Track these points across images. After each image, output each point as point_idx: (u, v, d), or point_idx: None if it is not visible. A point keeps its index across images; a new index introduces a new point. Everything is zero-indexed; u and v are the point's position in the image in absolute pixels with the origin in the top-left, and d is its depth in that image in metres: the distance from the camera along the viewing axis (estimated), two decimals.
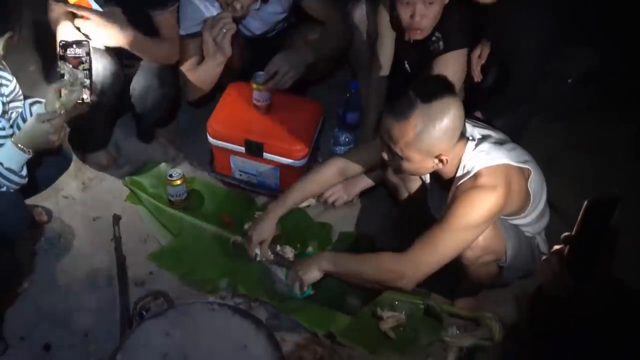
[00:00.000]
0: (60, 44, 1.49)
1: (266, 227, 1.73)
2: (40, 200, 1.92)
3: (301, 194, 1.75)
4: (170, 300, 1.65)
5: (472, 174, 1.38)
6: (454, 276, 1.62)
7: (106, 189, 2.03)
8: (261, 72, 1.86)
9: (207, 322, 1.50)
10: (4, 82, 1.54)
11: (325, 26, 2.00)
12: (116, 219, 1.92)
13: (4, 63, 1.56)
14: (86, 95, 1.51)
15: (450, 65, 1.76)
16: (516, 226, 1.54)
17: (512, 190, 1.39)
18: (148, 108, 1.98)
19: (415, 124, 1.30)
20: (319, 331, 1.60)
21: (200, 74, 1.93)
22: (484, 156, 1.38)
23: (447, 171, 1.44)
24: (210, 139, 1.95)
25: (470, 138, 1.42)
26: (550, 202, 1.59)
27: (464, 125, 1.39)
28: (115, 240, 1.85)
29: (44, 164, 1.72)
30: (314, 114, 1.99)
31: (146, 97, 1.94)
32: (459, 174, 1.42)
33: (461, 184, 1.40)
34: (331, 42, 1.98)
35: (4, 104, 1.53)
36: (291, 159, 1.88)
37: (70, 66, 1.48)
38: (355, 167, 1.73)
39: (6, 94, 1.55)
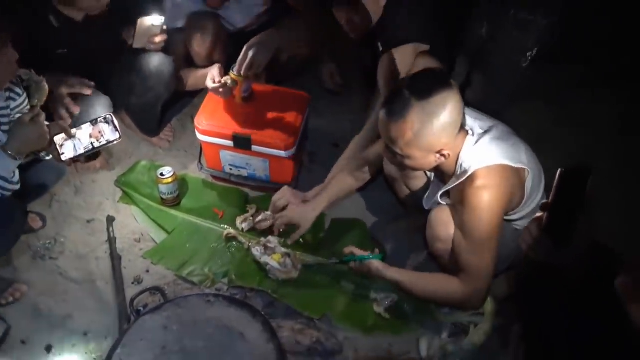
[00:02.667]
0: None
1: (307, 216, 1.70)
2: (34, 206, 1.94)
3: (344, 192, 1.76)
4: (167, 296, 1.67)
5: (468, 174, 1.36)
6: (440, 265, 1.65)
7: (98, 191, 2.05)
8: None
9: (203, 313, 1.53)
10: (13, 95, 1.58)
11: (301, 15, 2.01)
12: (110, 220, 1.94)
13: (19, 78, 1.59)
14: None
15: (389, 63, 1.75)
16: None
17: (512, 189, 1.39)
18: (156, 93, 2.00)
19: (412, 123, 1.28)
20: (314, 316, 1.62)
21: (192, 82, 2.05)
22: (481, 155, 1.36)
23: (449, 165, 1.42)
24: (199, 136, 1.97)
25: (471, 132, 1.40)
26: None
27: (464, 117, 1.36)
28: (109, 241, 1.87)
29: (40, 171, 1.75)
30: (299, 104, 2.01)
31: (152, 83, 1.97)
32: (458, 171, 1.41)
33: (460, 186, 1.39)
34: (303, 30, 1.99)
35: (9, 116, 1.57)
36: (279, 149, 1.90)
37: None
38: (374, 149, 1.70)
39: (12, 107, 1.58)
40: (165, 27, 1.84)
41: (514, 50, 1.73)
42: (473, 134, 1.40)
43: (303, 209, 1.71)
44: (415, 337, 1.59)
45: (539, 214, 1.00)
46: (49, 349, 1.59)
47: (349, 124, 2.24)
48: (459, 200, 1.40)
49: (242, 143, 1.91)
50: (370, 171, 1.74)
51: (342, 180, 1.74)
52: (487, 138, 1.39)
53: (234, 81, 1.87)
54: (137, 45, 1.86)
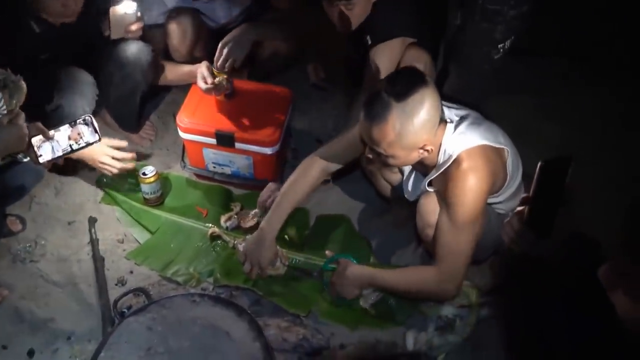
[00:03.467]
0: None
1: (268, 252, 1.66)
2: (13, 209, 1.90)
3: (290, 204, 1.66)
4: (151, 297, 1.65)
5: (453, 158, 1.38)
6: (429, 253, 1.66)
7: (79, 192, 2.02)
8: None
9: (188, 313, 1.52)
10: None
11: (282, 11, 2.00)
12: (92, 221, 1.91)
13: None
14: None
15: (378, 58, 1.78)
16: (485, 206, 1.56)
17: (495, 169, 1.40)
18: (133, 86, 1.99)
19: (393, 125, 1.30)
20: (301, 313, 1.62)
21: (172, 76, 2.04)
22: (463, 138, 1.39)
23: (431, 158, 1.44)
24: (181, 134, 1.95)
25: (449, 120, 1.43)
26: (524, 171, 1.62)
27: (442, 110, 1.39)
28: (92, 242, 1.84)
29: (18, 173, 1.71)
30: (283, 100, 2.00)
31: (128, 77, 1.95)
32: (441, 159, 1.42)
33: (445, 171, 1.40)
34: (282, 24, 1.98)
35: None
36: (263, 147, 1.89)
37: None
38: (337, 163, 1.66)
39: None
40: (139, 14, 1.81)
41: (484, 41, 1.74)
42: (452, 122, 1.43)
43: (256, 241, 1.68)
44: (401, 331, 1.59)
45: (520, 208, 1.00)
46: (31, 353, 1.56)
47: (333, 120, 2.24)
48: (444, 185, 1.42)
49: (225, 140, 1.89)
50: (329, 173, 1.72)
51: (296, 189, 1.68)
52: (465, 124, 1.42)
53: (227, 80, 1.86)
54: (114, 36, 1.83)
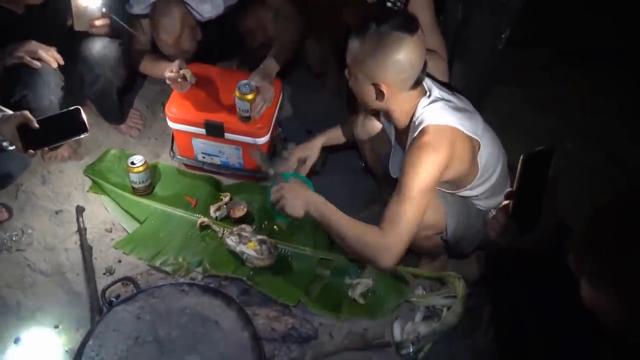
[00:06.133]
0: None
1: (313, 146, 1.82)
2: None
3: (337, 138, 1.87)
4: (139, 286, 1.64)
5: (420, 128, 1.40)
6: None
7: (66, 181, 2.00)
8: (245, 81, 1.81)
9: (177, 302, 1.52)
10: None
11: (278, 23, 2.01)
12: (80, 210, 1.90)
13: None
14: None
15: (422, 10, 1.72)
16: (464, 201, 1.56)
17: (456, 155, 1.40)
18: (107, 80, 1.96)
19: (366, 44, 1.34)
20: (289, 302, 1.63)
21: (150, 70, 2.04)
22: (435, 113, 1.40)
23: (399, 119, 1.46)
24: (170, 123, 1.94)
25: (428, 94, 1.44)
26: (508, 163, 1.63)
27: (421, 76, 1.39)
28: (79, 231, 1.83)
29: (3, 161, 1.69)
30: (274, 90, 1.99)
31: (102, 70, 1.93)
32: (412, 127, 1.44)
33: (411, 141, 1.42)
34: (288, 43, 2.00)
35: None
36: (253, 137, 1.88)
37: None
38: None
39: None
40: (104, 10, 1.78)
41: (490, 33, 1.75)
42: (430, 96, 1.43)
43: (307, 143, 1.85)
44: (389, 321, 1.60)
45: (505, 202, 1.02)
46: (17, 341, 1.56)
47: (322, 109, 2.24)
48: (405, 160, 1.43)
49: (214, 130, 1.89)
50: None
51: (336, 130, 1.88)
52: (442, 102, 1.42)
53: (191, 75, 1.85)
54: (77, 27, 1.79)
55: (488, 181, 1.53)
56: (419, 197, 1.38)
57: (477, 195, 1.55)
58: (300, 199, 1.48)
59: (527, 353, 1.14)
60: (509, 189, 1.00)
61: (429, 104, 1.41)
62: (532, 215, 0.97)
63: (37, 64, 1.73)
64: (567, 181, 1.05)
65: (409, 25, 1.34)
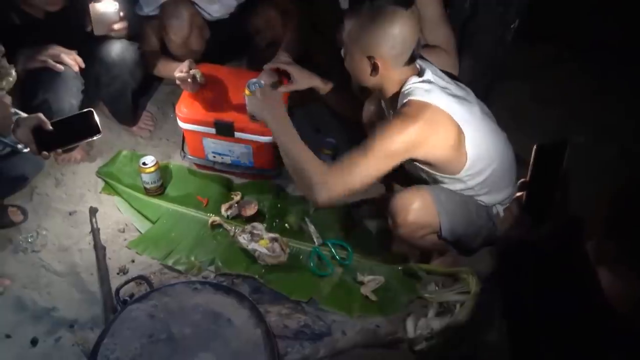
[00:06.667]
0: None
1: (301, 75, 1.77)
2: (14, 199, 1.91)
3: (323, 89, 1.81)
4: (153, 285, 1.66)
5: (403, 101, 1.41)
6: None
7: (80, 182, 2.02)
8: (254, 80, 1.74)
9: (190, 301, 1.53)
10: None
11: (286, 22, 2.03)
12: (93, 211, 1.92)
13: None
14: None
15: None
16: (462, 198, 1.54)
17: (436, 134, 1.39)
18: (122, 83, 1.98)
19: (360, 19, 1.38)
20: (302, 299, 1.63)
21: (160, 71, 2.05)
22: (422, 91, 1.40)
23: (389, 92, 1.47)
24: (181, 123, 1.95)
25: (420, 74, 1.45)
26: (517, 155, 1.62)
27: (415, 53, 1.41)
28: (93, 232, 1.85)
29: (18, 163, 1.71)
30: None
31: (118, 73, 1.94)
32: (399, 102, 1.44)
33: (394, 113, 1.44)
34: (296, 40, 2.00)
35: None
36: (262, 135, 1.89)
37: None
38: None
39: None
40: (122, 14, 1.80)
41: (499, 24, 1.74)
42: (421, 76, 1.44)
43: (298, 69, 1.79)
44: (402, 317, 1.60)
45: (519, 194, 1.01)
46: (34, 341, 1.58)
47: (331, 109, 2.24)
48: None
49: (224, 130, 1.90)
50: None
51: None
52: (432, 85, 1.42)
53: (201, 75, 1.87)
54: (97, 32, 1.81)
55: (481, 174, 1.50)
56: (378, 157, 1.39)
57: (472, 188, 1.53)
58: (266, 107, 1.54)
59: (540, 349, 1.13)
60: (522, 180, 0.99)
61: (418, 82, 1.42)
62: (543, 208, 0.97)
63: (60, 67, 1.75)
64: (579, 175, 1.04)
65: (406, 1, 1.37)
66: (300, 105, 2.14)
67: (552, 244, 1.00)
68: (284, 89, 1.76)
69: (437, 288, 1.64)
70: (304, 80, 1.78)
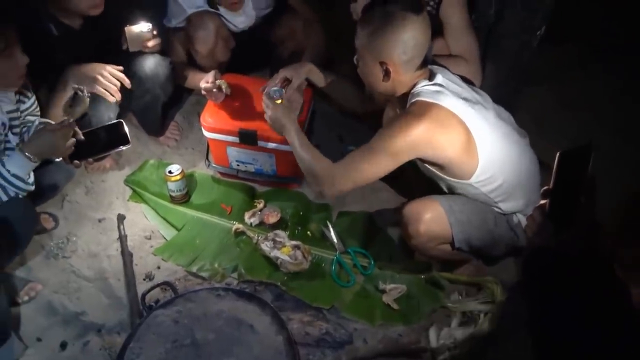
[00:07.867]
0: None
1: (299, 70, 1.77)
2: (46, 207, 1.97)
3: (322, 81, 1.82)
4: (177, 291, 1.69)
5: (411, 102, 1.42)
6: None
7: (108, 190, 2.08)
8: (276, 88, 1.77)
9: (213, 307, 1.55)
10: (22, 98, 1.63)
11: (308, 32, 2.06)
12: (120, 218, 1.97)
13: (28, 80, 1.63)
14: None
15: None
16: (477, 207, 1.52)
17: (445, 134, 1.39)
18: (154, 96, 2.03)
19: (372, 25, 1.40)
20: (323, 306, 1.63)
21: (187, 82, 2.09)
22: (430, 92, 1.41)
23: (402, 99, 1.48)
24: (205, 133, 1.99)
25: (431, 78, 1.45)
26: (540, 161, 1.59)
27: (426, 58, 1.43)
28: (120, 239, 1.90)
29: (50, 172, 1.77)
30: (304, 97, 2.01)
31: (151, 87, 1.99)
32: (408, 104, 1.45)
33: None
34: (318, 48, 2.05)
35: (19, 118, 1.61)
36: (285, 144, 1.90)
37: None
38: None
39: (22, 109, 1.63)
40: (155, 32, 1.84)
41: (524, 30, 1.73)
42: (432, 80, 1.44)
43: (294, 65, 1.81)
44: (424, 327, 1.59)
45: (542, 201, 0.99)
46: (63, 345, 1.62)
47: (354, 117, 2.25)
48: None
49: (247, 138, 1.93)
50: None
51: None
52: (442, 88, 1.42)
53: (227, 85, 1.90)
54: (132, 49, 1.86)
55: (494, 180, 1.47)
56: (383, 155, 1.41)
57: (487, 194, 1.50)
58: (278, 123, 1.64)
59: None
60: (545, 187, 0.98)
61: (427, 84, 1.43)
62: (567, 215, 0.95)
63: (112, 98, 1.76)
64: (604, 180, 1.02)
65: (415, 5, 1.38)
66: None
67: (577, 252, 0.98)
68: (289, 90, 1.78)
69: (460, 297, 1.62)
70: (297, 72, 1.78)
